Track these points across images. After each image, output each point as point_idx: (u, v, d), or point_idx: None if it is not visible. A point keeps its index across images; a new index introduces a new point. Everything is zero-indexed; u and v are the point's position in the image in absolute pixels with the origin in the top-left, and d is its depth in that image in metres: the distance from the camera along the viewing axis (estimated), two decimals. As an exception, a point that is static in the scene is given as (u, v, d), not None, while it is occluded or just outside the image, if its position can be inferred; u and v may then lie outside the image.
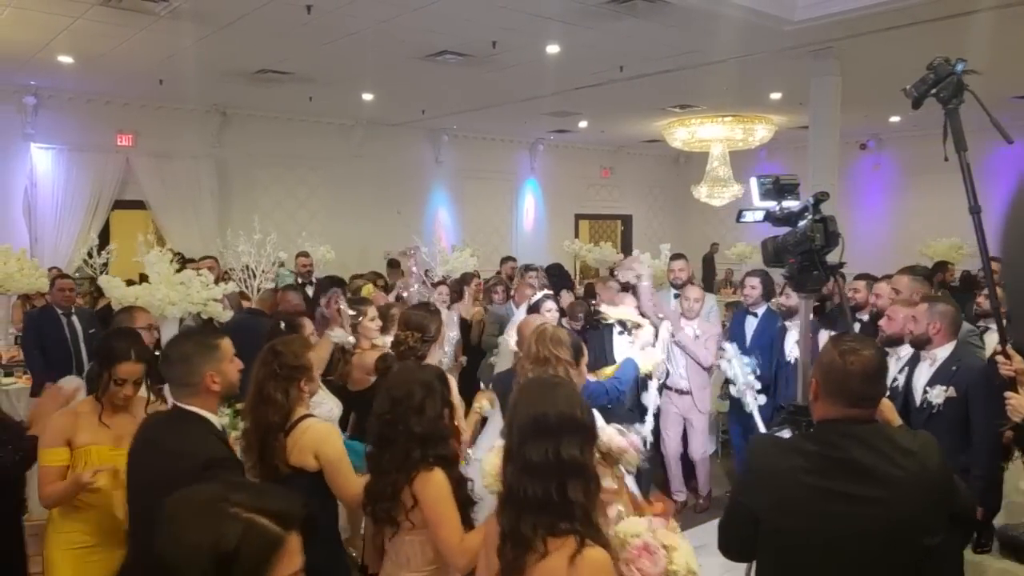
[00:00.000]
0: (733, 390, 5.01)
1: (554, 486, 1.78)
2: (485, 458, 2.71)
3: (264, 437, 2.67)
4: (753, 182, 2.45)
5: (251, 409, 2.77)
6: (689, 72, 8.96)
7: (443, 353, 3.72)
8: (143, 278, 5.72)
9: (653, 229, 16.86)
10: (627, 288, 5.41)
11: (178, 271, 5.39)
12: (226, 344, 2.46)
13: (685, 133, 12.64)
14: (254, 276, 6.29)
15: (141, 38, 7.42)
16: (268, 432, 2.67)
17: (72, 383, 3.36)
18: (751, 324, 5.41)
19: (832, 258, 2.38)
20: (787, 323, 5.28)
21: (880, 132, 13.76)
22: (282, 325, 3.84)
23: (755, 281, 5.45)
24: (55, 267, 8.43)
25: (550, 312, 4.19)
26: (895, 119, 12.59)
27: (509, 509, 1.84)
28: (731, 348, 5.01)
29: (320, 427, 2.79)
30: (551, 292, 4.89)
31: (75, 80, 9.32)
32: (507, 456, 1.90)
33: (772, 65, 8.51)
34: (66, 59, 8.26)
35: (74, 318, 5.76)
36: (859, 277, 6.15)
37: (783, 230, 2.45)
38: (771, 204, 2.45)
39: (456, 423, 2.81)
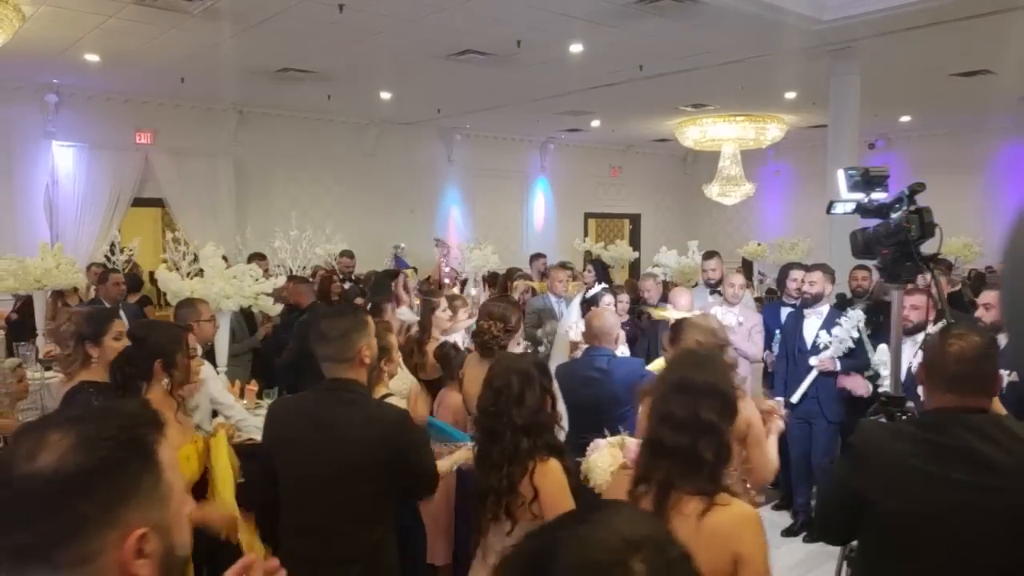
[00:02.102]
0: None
1: (687, 440, 1.90)
2: (592, 458, 2.80)
3: None
4: (840, 174, 2.50)
5: None
6: (706, 71, 9.05)
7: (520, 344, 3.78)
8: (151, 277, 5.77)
9: (661, 228, 16.96)
10: None
11: (200, 271, 5.46)
12: (371, 320, 2.59)
13: (697, 132, 12.73)
14: (291, 272, 6.36)
15: (170, 36, 7.49)
16: None
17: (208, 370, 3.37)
18: (811, 324, 5.21)
19: (927, 249, 2.38)
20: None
21: (888, 132, 13.87)
22: (368, 307, 3.94)
23: (816, 276, 5.15)
24: (99, 264, 8.48)
25: (610, 305, 4.28)
26: (905, 119, 12.72)
27: (648, 455, 1.98)
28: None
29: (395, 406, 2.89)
30: (606, 286, 4.97)
31: (97, 78, 9.36)
32: (652, 412, 2.03)
33: (790, 64, 8.60)
34: (92, 57, 8.31)
35: (120, 312, 5.83)
36: (859, 268, 6.39)
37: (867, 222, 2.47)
38: (859, 196, 2.48)
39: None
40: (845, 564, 2.45)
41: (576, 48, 8.13)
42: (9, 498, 0.90)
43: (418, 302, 3.81)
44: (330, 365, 2.48)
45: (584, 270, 8.31)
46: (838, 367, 5.01)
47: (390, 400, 2.87)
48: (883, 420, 2.34)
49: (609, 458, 2.89)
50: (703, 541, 1.78)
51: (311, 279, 7.22)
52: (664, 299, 5.68)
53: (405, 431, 2.37)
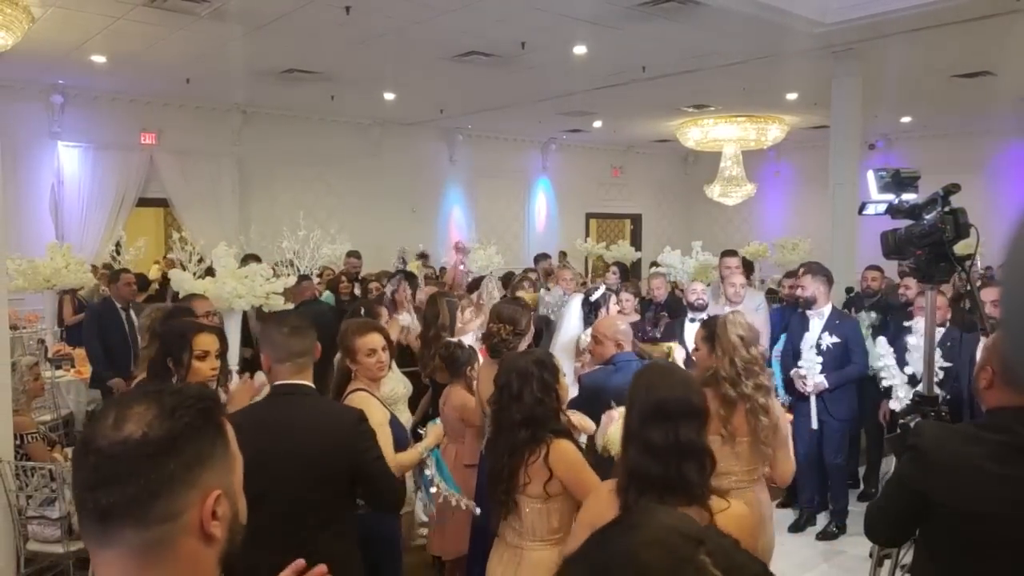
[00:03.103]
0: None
1: (673, 467, 1.91)
2: (611, 430, 2.88)
3: None
4: (871, 175, 2.48)
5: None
6: (708, 73, 9.10)
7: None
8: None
9: (662, 228, 17.02)
10: None
11: (208, 272, 5.50)
12: None
13: (698, 133, 12.78)
14: (298, 271, 6.42)
15: (177, 37, 7.53)
16: None
17: (262, 376, 3.38)
18: (815, 325, 5.27)
19: (961, 250, 2.34)
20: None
21: (889, 132, 13.93)
22: (362, 311, 4.01)
23: (805, 280, 5.22)
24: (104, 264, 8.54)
25: (617, 307, 4.33)
26: (906, 120, 12.77)
27: (632, 488, 1.97)
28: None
29: (358, 396, 2.96)
30: (609, 291, 4.98)
31: (103, 79, 9.41)
32: (627, 438, 2.02)
33: (792, 66, 8.65)
34: (99, 58, 8.36)
35: (131, 312, 5.90)
36: (870, 268, 6.51)
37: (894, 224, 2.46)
38: (889, 197, 2.48)
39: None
40: (877, 568, 2.47)
41: (580, 50, 8.18)
42: (98, 463, 0.98)
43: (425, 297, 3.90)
44: (298, 363, 2.46)
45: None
46: (826, 384, 5.07)
47: (356, 393, 2.96)
48: (920, 419, 2.31)
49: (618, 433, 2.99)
50: None
51: (319, 279, 7.31)
52: (673, 296, 5.75)
53: (356, 433, 2.38)
